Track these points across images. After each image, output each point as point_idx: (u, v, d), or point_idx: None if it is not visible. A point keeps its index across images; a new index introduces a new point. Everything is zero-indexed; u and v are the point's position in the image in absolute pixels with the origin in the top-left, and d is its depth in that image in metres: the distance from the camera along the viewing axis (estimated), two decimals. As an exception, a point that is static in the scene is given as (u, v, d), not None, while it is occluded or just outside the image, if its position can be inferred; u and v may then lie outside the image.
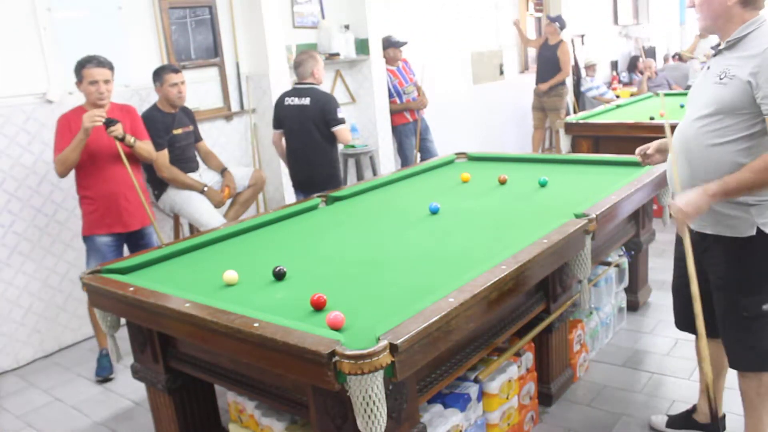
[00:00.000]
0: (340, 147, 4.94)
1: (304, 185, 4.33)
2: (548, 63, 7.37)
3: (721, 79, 2.06)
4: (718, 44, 2.18)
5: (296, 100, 4.25)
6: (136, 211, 3.58)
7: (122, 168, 3.48)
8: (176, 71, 4.02)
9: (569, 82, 8.74)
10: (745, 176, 1.99)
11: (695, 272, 2.29)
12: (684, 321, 2.47)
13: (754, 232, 2.09)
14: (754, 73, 1.97)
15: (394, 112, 6.07)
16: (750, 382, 2.26)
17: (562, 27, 7.38)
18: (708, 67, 2.17)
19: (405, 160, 6.15)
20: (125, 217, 3.56)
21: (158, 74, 4.01)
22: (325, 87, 5.70)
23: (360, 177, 5.80)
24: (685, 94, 6.54)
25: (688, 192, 2.08)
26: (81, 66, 3.42)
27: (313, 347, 1.69)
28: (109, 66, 3.48)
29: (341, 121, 4.21)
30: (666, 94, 6.98)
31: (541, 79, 7.50)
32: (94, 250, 3.55)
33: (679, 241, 2.39)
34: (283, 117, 4.30)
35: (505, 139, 8.09)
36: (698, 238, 2.23)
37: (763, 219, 2.08)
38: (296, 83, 4.35)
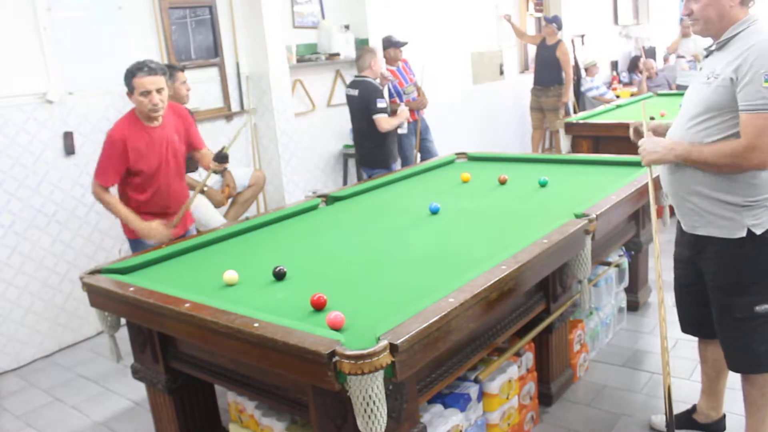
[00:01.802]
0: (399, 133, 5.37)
1: (360, 162, 5.19)
2: (547, 63, 7.37)
3: (708, 79, 2.09)
4: (710, 46, 2.19)
5: (350, 91, 4.92)
6: (181, 221, 3.36)
7: (172, 183, 3.28)
8: (182, 70, 4.04)
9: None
10: (707, 154, 2.06)
11: (695, 274, 2.29)
12: (688, 324, 2.47)
13: (744, 234, 2.09)
14: (735, 69, 1.99)
15: (394, 112, 6.07)
16: (754, 383, 2.25)
17: (560, 27, 7.39)
18: (701, 68, 2.19)
19: (405, 160, 6.14)
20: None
21: (170, 73, 4.00)
22: (324, 87, 5.73)
23: (360, 177, 5.80)
24: (681, 95, 6.53)
25: (659, 140, 2.19)
26: (131, 75, 3.09)
27: (313, 347, 1.70)
28: (162, 71, 3.14)
29: (379, 111, 4.75)
30: (659, 94, 6.98)
31: (539, 79, 7.48)
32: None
33: (677, 243, 2.40)
34: (349, 106, 5.02)
35: (505, 139, 8.09)
36: (693, 240, 2.24)
37: (753, 220, 2.09)
38: (355, 75, 4.95)
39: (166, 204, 3.32)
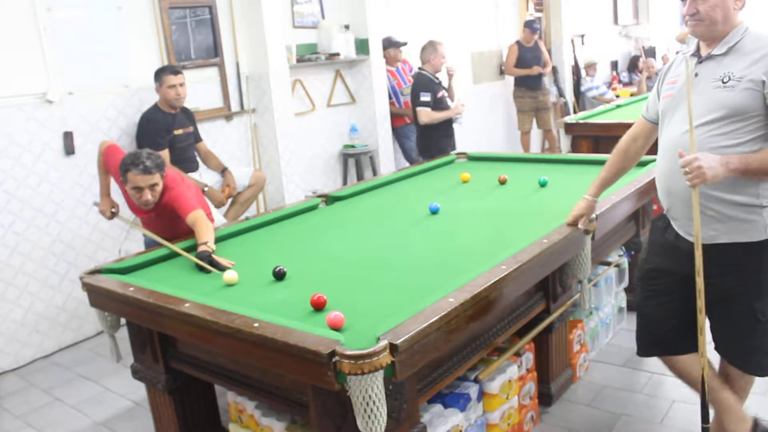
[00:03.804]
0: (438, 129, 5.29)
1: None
2: (540, 61, 7.47)
3: (725, 83, 2.01)
4: (695, 52, 2.14)
5: (412, 83, 5.24)
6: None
7: (162, 227, 3.09)
8: (176, 73, 4.02)
9: (569, 81, 8.76)
10: None
11: (681, 287, 2.20)
12: (652, 346, 2.41)
13: (767, 236, 2.05)
14: (766, 72, 1.95)
15: (392, 114, 6.07)
16: (741, 380, 2.28)
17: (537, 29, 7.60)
18: (696, 74, 2.10)
19: (407, 159, 6.14)
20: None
21: (158, 75, 4.02)
22: (324, 87, 5.73)
23: (360, 177, 5.81)
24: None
25: (707, 154, 1.97)
26: (125, 168, 2.92)
27: (313, 347, 1.70)
28: (158, 167, 2.93)
29: (421, 104, 4.97)
30: None
31: (536, 81, 7.50)
32: (145, 243, 3.58)
33: (665, 257, 2.29)
34: None
35: (504, 139, 8.09)
36: (703, 250, 2.07)
37: None
38: (418, 67, 5.23)
39: (164, 235, 3.13)
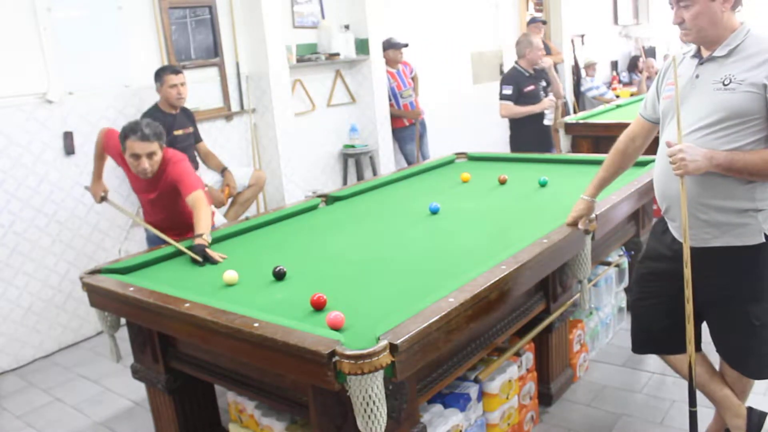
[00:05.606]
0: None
1: None
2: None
3: (726, 85, 2.00)
4: (696, 53, 2.13)
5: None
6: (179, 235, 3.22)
7: (163, 212, 3.20)
8: (176, 72, 4.02)
9: (569, 81, 8.75)
10: (756, 161, 1.96)
11: (673, 289, 2.17)
12: (645, 344, 2.42)
13: (762, 239, 2.04)
14: None
15: (391, 116, 6.05)
16: (748, 381, 2.27)
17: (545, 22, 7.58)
18: (697, 76, 2.10)
19: (407, 160, 6.13)
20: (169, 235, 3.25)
21: (159, 75, 4.01)
22: (324, 87, 5.73)
23: (360, 177, 5.81)
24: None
25: (694, 146, 1.99)
26: (124, 136, 3.00)
27: (313, 347, 1.70)
28: (156, 136, 3.00)
29: (502, 97, 4.93)
30: None
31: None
32: (148, 240, 3.60)
33: (658, 258, 2.29)
34: None
35: (504, 139, 8.07)
36: (694, 253, 2.07)
37: None
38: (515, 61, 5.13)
39: (163, 225, 3.17)
